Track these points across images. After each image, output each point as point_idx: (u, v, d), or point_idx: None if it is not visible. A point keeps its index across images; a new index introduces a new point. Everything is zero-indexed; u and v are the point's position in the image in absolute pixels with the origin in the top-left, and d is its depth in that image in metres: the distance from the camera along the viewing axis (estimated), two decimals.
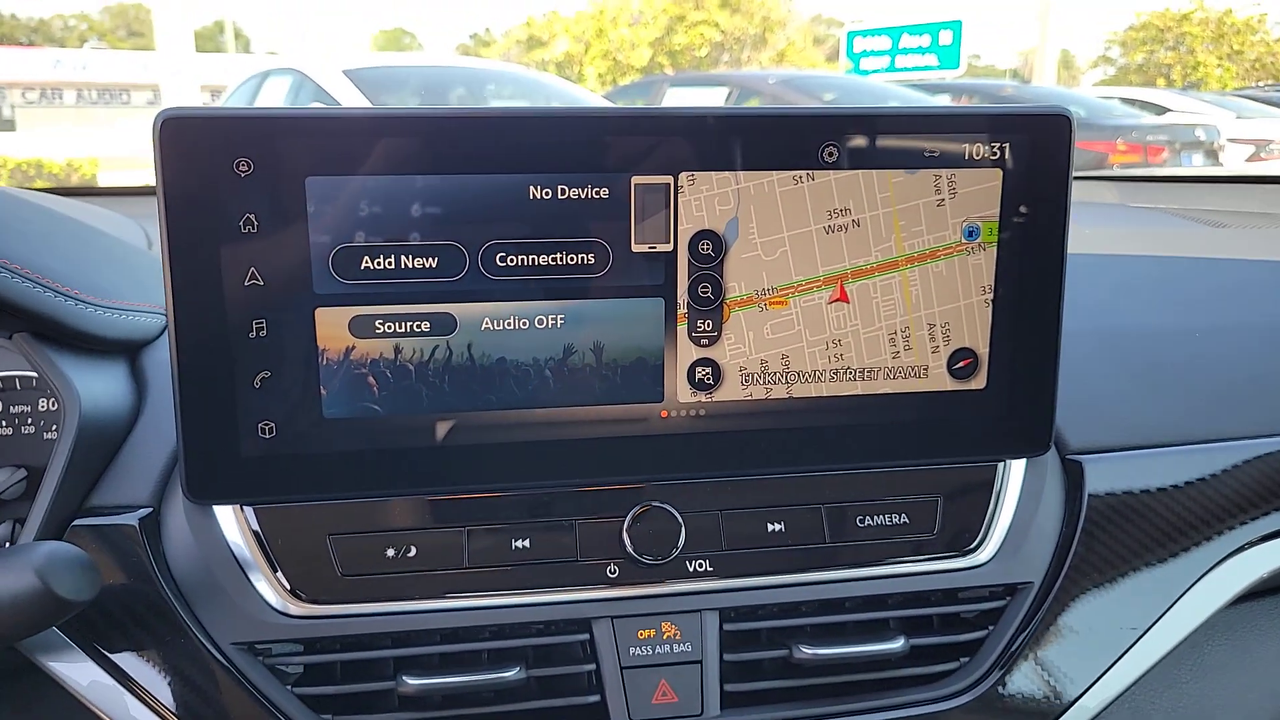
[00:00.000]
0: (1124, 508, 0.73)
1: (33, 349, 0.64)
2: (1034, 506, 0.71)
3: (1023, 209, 0.65)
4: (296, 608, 0.63)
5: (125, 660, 0.62)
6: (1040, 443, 0.69)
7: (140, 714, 0.61)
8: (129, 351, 0.71)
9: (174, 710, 0.61)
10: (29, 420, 0.68)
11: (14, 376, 0.68)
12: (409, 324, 0.61)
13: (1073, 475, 0.74)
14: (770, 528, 0.67)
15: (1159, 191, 1.48)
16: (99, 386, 0.66)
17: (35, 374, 0.66)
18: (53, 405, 0.67)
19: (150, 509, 0.64)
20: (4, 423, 0.66)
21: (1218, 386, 0.81)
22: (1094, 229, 1.16)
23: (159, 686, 0.62)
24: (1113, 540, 0.72)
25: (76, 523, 0.63)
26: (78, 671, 0.62)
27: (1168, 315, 0.88)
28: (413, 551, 0.64)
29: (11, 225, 0.66)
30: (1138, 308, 0.89)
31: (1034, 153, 0.64)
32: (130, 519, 0.63)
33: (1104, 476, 0.73)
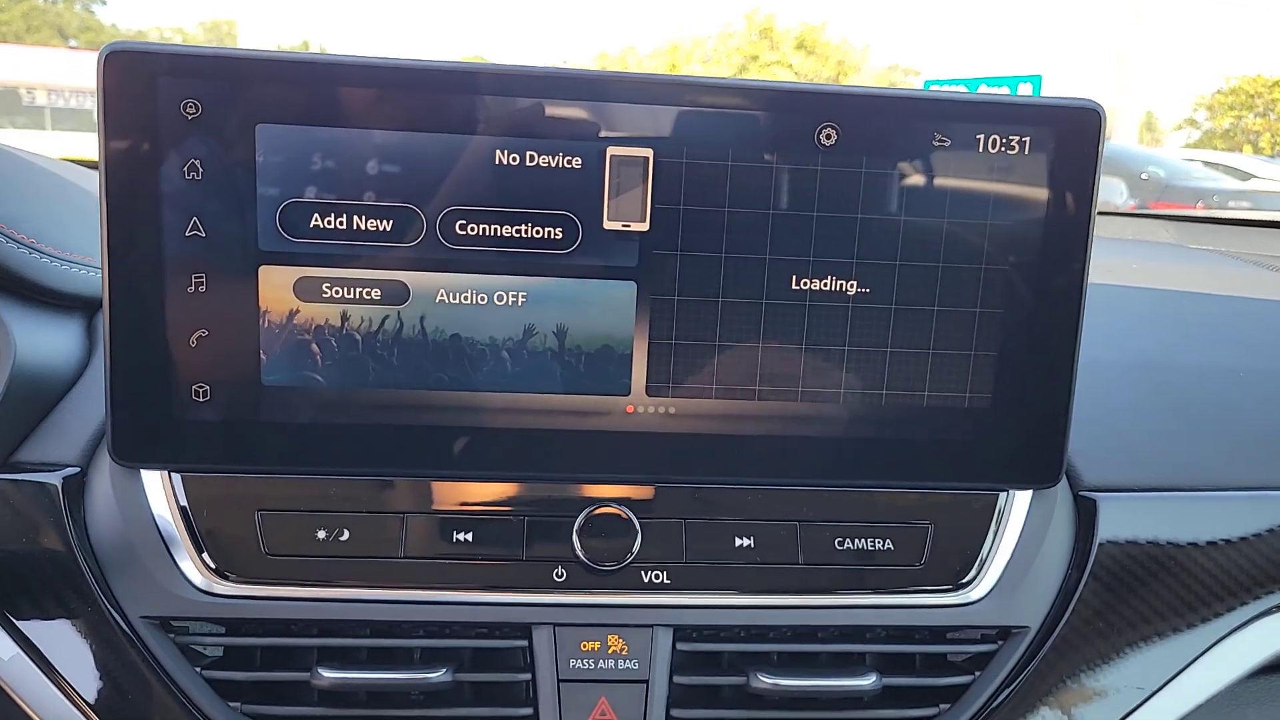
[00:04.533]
0: (1140, 554, 0.65)
1: None
2: (1037, 544, 0.64)
3: (1043, 211, 0.59)
4: (215, 584, 0.59)
5: (30, 627, 0.58)
6: (1049, 473, 0.62)
7: (40, 684, 0.58)
8: (88, 310, 0.68)
9: (73, 684, 0.57)
10: None
11: None
12: (358, 290, 0.57)
13: (1085, 514, 0.66)
14: (738, 542, 0.61)
15: (1218, 235, 1.39)
16: (43, 340, 0.63)
17: None
18: None
19: (76, 469, 0.61)
20: None
21: (1261, 432, 0.73)
22: (1143, 263, 1.08)
23: (61, 656, 0.58)
24: (1124, 589, 0.65)
25: None
26: None
27: (1211, 352, 0.80)
28: (345, 535, 0.59)
29: None
30: (1178, 342, 0.82)
31: (1059, 149, 0.58)
32: (53, 478, 0.59)
33: (1120, 518, 0.66)
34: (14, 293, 0.63)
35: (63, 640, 0.58)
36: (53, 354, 0.63)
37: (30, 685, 0.58)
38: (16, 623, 0.58)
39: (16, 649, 0.58)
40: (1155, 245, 1.28)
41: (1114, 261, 1.04)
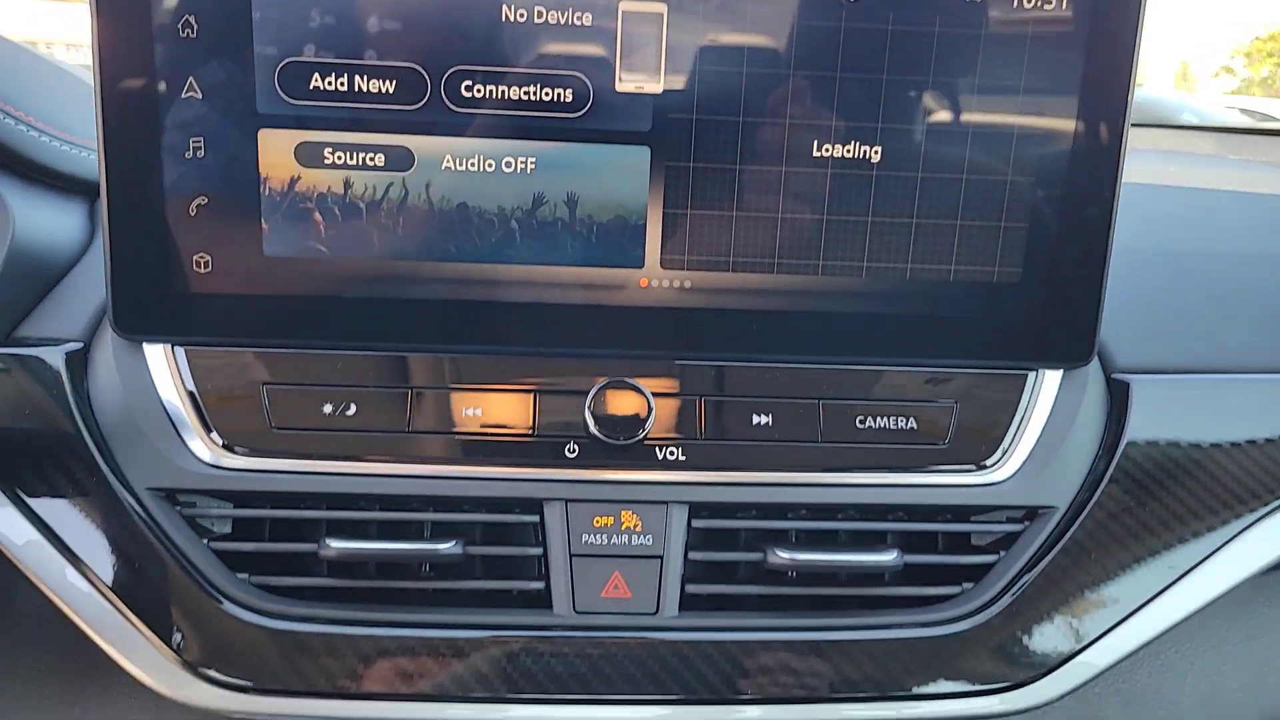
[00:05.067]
0: (1174, 436, 0.63)
1: None
2: (1066, 425, 0.62)
3: (1080, 71, 0.55)
4: (222, 458, 0.58)
5: (40, 505, 0.57)
6: (1081, 352, 0.60)
7: (54, 562, 0.57)
8: (90, 194, 0.67)
9: (85, 559, 0.57)
10: None
11: None
12: (361, 156, 0.55)
13: (1117, 396, 0.64)
14: (755, 420, 0.59)
15: (1260, 146, 1.34)
16: (44, 218, 0.61)
17: None
18: None
19: (80, 345, 0.59)
20: None
21: None
22: (1180, 169, 1.04)
23: (71, 532, 0.57)
24: (1158, 470, 0.62)
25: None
26: None
27: (1247, 242, 0.76)
28: (352, 409, 0.58)
29: None
30: (1214, 233, 0.78)
31: (1098, 3, 0.55)
32: (55, 353, 0.58)
33: (1153, 401, 0.63)
34: (14, 171, 0.61)
35: (71, 516, 0.57)
36: (53, 232, 0.62)
37: (44, 563, 0.57)
38: (27, 500, 0.57)
39: (33, 530, 0.57)
40: (1193, 156, 1.24)
41: (1150, 166, 1.00)
